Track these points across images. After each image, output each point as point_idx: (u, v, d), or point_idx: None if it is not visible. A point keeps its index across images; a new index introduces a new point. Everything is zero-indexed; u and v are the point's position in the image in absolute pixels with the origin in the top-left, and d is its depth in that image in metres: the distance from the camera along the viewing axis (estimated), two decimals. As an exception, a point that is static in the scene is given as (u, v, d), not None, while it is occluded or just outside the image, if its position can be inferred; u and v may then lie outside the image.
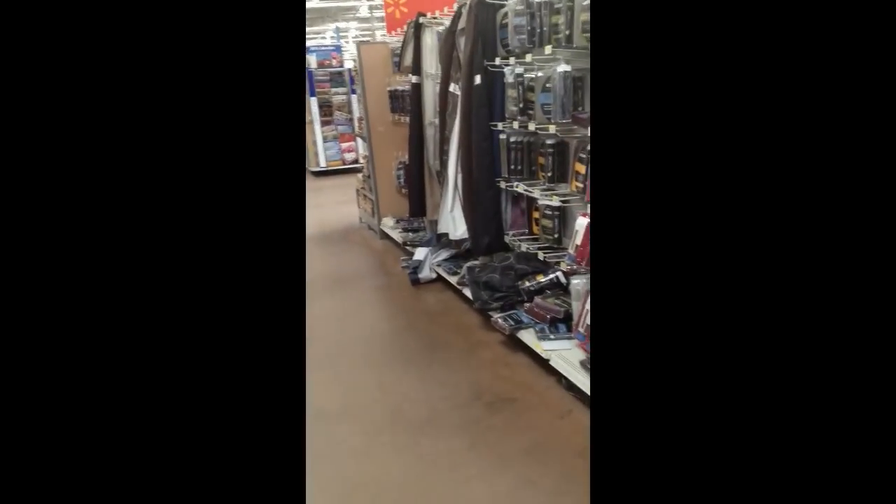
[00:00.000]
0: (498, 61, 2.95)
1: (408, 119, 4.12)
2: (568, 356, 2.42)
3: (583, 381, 2.24)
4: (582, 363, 2.32)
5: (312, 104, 8.27)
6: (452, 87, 3.38)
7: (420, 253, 3.85)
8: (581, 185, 2.40)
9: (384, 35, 4.75)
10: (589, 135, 2.31)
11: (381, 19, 10.75)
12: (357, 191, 5.65)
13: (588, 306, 2.39)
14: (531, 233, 3.08)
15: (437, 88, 3.64)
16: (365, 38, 13.18)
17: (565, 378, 2.37)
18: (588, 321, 2.38)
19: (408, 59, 4.04)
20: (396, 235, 4.61)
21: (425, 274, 3.77)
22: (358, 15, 12.74)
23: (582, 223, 2.36)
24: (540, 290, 2.79)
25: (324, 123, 8.40)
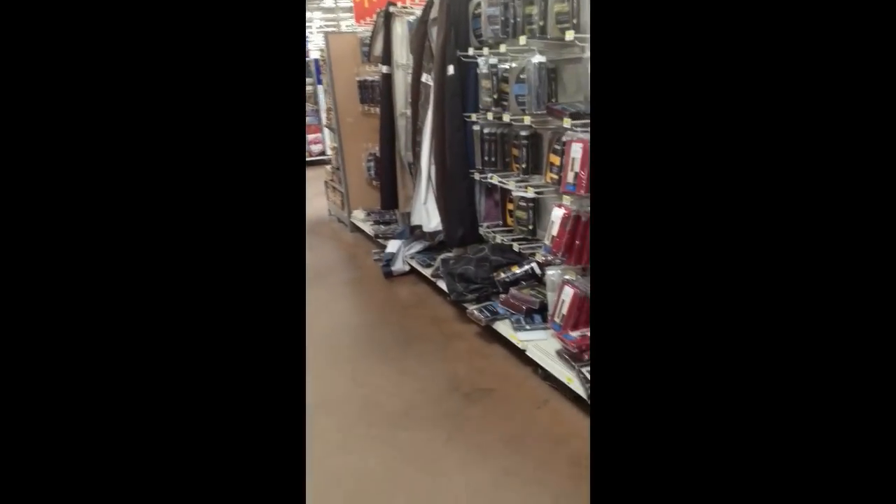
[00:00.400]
0: (471, 52, 2.93)
1: (378, 110, 4.06)
2: (544, 346, 2.43)
3: (559, 371, 2.26)
4: (558, 353, 2.34)
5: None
6: (425, 78, 3.35)
7: (393, 245, 3.82)
8: (555, 177, 2.41)
9: (349, 25, 4.68)
10: (563, 126, 2.32)
11: (346, 9, 10.56)
12: (326, 183, 5.56)
13: (563, 297, 2.41)
14: (505, 224, 3.09)
15: (409, 79, 3.60)
16: (330, 28, 12.94)
17: (542, 368, 2.38)
18: (563, 311, 2.40)
19: (378, 49, 3.98)
20: (368, 228, 4.55)
21: (398, 266, 3.74)
22: (322, 5, 12.50)
23: (557, 214, 2.38)
24: (515, 282, 2.80)
25: (289, 114, 8.21)
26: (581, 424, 2.10)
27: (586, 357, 2.19)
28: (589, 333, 2.26)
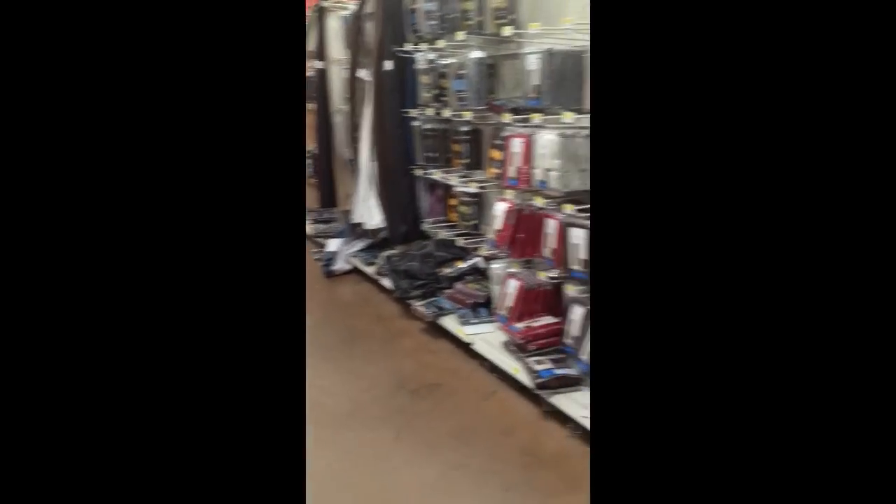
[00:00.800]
0: (409, 47, 2.92)
1: (313, 106, 3.97)
2: (490, 339, 2.46)
3: (505, 362, 2.29)
4: (504, 344, 2.37)
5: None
6: (362, 73, 3.30)
7: (333, 244, 3.74)
8: (497, 171, 2.44)
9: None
10: (503, 121, 2.35)
11: (277, 4, 10.29)
12: (260, 182, 5.37)
13: (508, 289, 2.44)
14: (448, 220, 3.09)
15: (344, 74, 3.54)
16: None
17: (489, 360, 2.40)
18: (508, 303, 2.43)
19: (312, 45, 3.89)
20: (306, 227, 4.44)
21: (340, 265, 3.67)
22: None
23: (500, 208, 2.41)
24: (460, 276, 2.81)
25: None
26: (528, 413, 2.14)
27: (531, 347, 2.23)
28: (533, 324, 2.30)
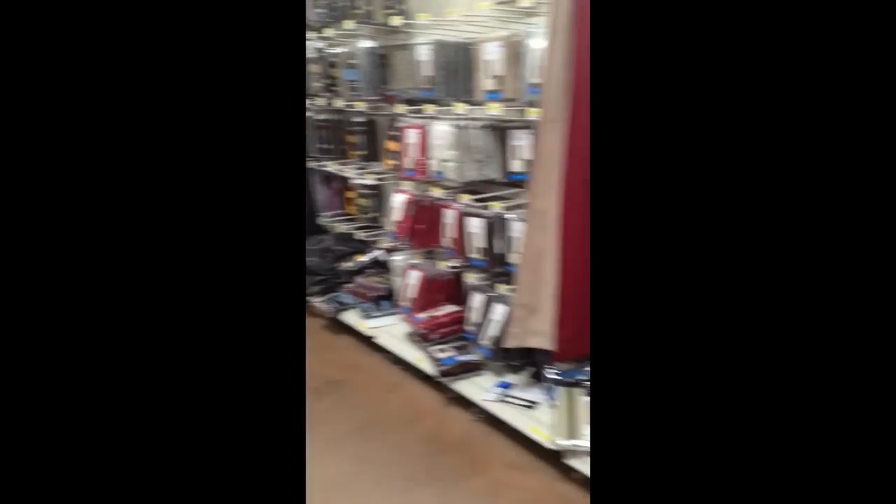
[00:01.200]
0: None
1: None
2: (393, 331, 2.45)
3: (409, 353, 2.29)
4: (408, 336, 2.37)
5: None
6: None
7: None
8: (394, 163, 2.42)
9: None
10: (397, 112, 2.33)
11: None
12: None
13: (409, 280, 2.44)
14: (346, 213, 3.03)
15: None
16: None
17: (392, 353, 2.40)
18: (410, 294, 2.43)
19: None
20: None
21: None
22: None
23: (398, 199, 2.39)
24: (360, 270, 2.77)
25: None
26: (433, 402, 2.16)
27: (434, 336, 2.25)
28: (436, 313, 2.33)
